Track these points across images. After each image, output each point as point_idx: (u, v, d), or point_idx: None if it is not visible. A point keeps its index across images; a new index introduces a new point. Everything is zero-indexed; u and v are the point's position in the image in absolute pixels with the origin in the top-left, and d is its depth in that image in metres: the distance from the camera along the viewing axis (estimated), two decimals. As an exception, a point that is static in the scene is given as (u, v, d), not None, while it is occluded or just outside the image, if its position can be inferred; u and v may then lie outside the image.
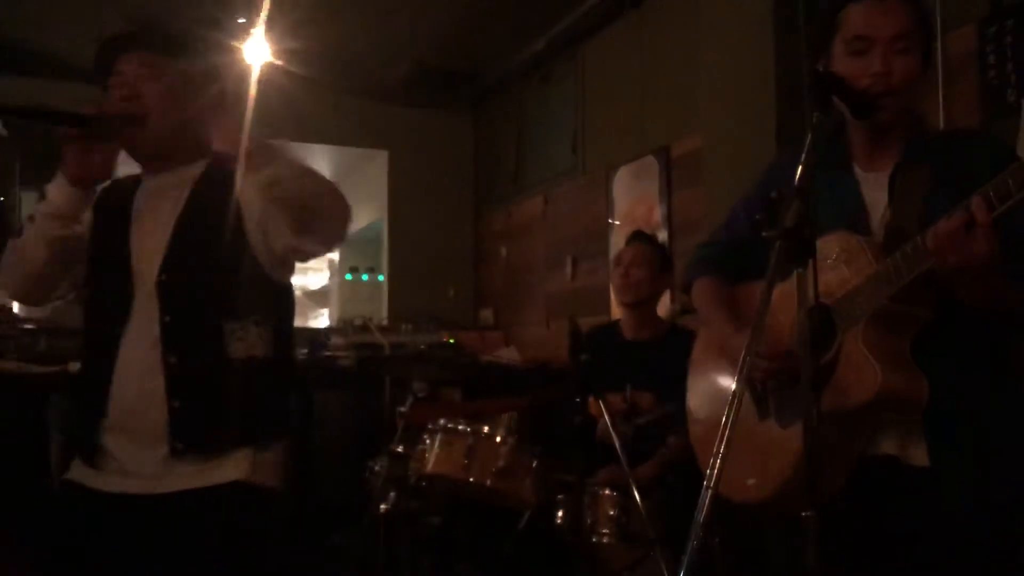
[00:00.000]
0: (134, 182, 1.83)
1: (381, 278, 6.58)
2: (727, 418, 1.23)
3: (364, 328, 3.99)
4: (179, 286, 1.70)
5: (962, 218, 1.35)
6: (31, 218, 1.74)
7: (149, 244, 1.73)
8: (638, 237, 3.25)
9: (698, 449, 1.90)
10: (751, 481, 1.66)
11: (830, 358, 1.55)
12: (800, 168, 1.39)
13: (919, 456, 1.52)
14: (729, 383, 1.79)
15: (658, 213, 4.35)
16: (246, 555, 1.70)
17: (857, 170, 1.66)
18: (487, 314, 6.01)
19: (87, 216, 1.78)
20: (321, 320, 8.74)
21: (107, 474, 1.69)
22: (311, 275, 9.73)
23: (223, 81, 1.76)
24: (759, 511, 1.72)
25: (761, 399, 1.72)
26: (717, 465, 1.20)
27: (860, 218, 1.61)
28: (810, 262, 1.32)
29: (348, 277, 7.60)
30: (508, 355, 4.71)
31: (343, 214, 1.72)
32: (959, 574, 1.50)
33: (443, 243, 6.15)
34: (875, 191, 1.62)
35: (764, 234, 1.35)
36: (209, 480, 1.67)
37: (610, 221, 4.71)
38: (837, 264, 1.56)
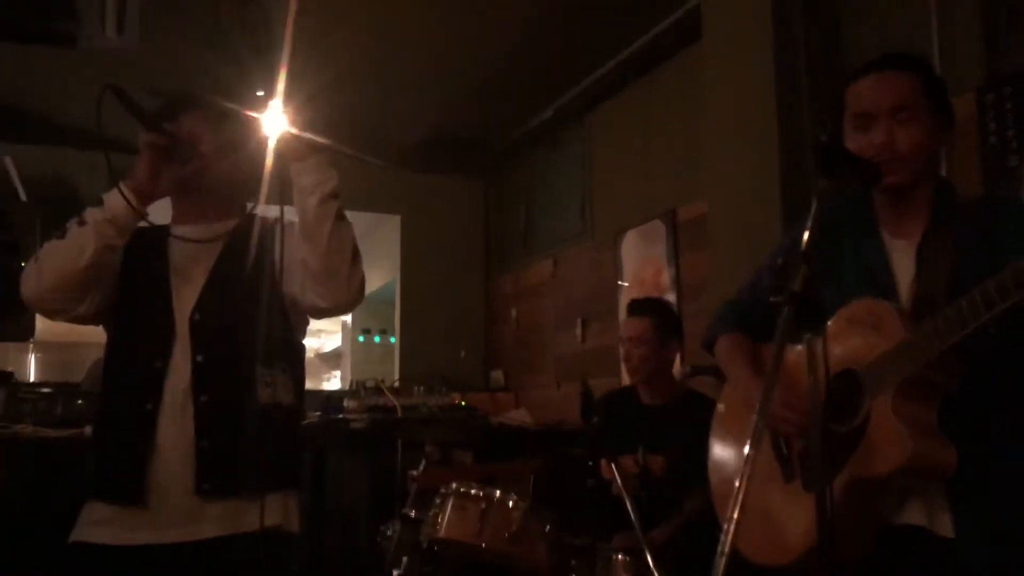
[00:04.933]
0: (162, 232, 1.90)
1: (393, 340, 6.62)
2: (741, 480, 1.24)
3: (376, 390, 4.01)
4: (212, 326, 1.77)
5: None
6: (80, 222, 1.72)
7: (186, 287, 1.81)
8: (635, 308, 3.14)
9: (719, 509, 1.89)
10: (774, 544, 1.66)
11: (858, 424, 1.54)
12: (806, 234, 1.42)
13: (945, 526, 1.51)
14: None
15: (666, 276, 4.39)
16: None
17: (885, 236, 1.67)
18: (498, 375, 6.03)
19: (120, 254, 1.83)
20: (333, 382, 8.76)
21: (137, 523, 1.68)
22: (324, 337, 9.78)
23: (259, 147, 1.86)
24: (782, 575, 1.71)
25: (786, 461, 1.71)
26: (731, 531, 1.20)
27: (889, 284, 1.62)
28: (821, 326, 1.35)
29: (360, 339, 7.65)
30: (519, 417, 4.71)
31: (358, 271, 1.79)
32: None
33: (454, 305, 6.20)
34: (903, 258, 1.63)
35: (772, 299, 1.37)
36: (244, 526, 1.68)
37: (619, 283, 4.76)
38: (865, 329, 1.57)
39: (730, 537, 1.19)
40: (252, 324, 1.78)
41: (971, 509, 1.49)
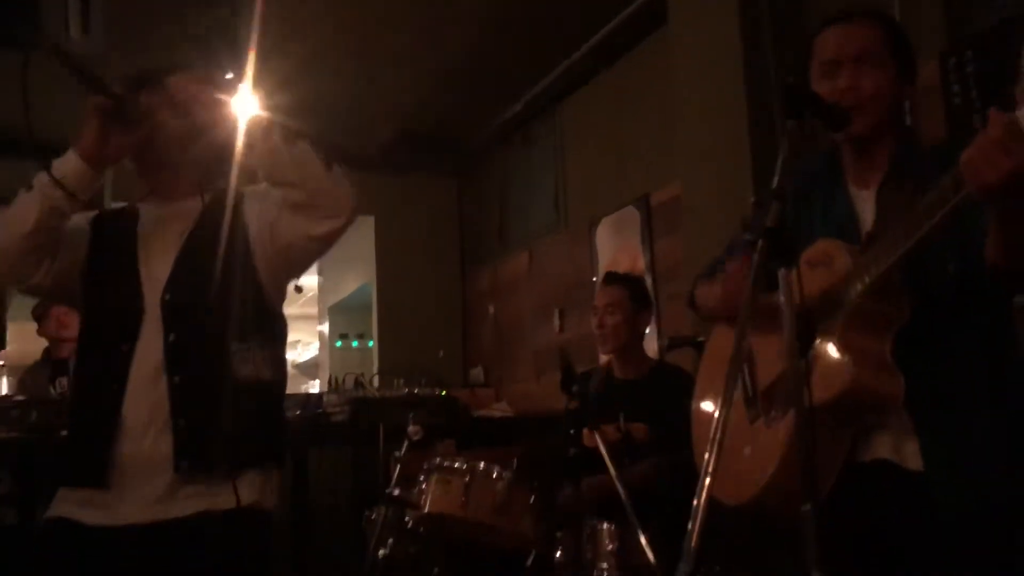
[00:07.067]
0: (132, 212, 1.87)
1: (371, 343, 6.59)
2: (717, 422, 1.24)
3: (357, 384, 4.00)
4: (184, 305, 1.73)
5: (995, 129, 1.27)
6: (28, 188, 1.69)
7: (156, 266, 1.77)
8: (609, 279, 3.23)
9: (697, 456, 1.90)
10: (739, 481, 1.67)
11: (811, 356, 1.56)
12: (777, 172, 1.44)
13: (913, 459, 1.53)
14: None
15: (642, 261, 4.42)
16: None
17: (851, 187, 1.71)
18: (477, 372, 6.02)
19: (85, 231, 1.81)
20: (313, 392, 8.69)
21: (110, 503, 1.65)
22: (301, 348, 9.71)
23: (231, 126, 1.80)
24: (750, 516, 1.72)
25: (751, 401, 1.74)
26: (710, 471, 1.20)
27: (852, 230, 1.66)
28: (795, 259, 1.36)
29: (338, 344, 7.60)
30: (500, 409, 4.70)
31: (346, 193, 1.77)
32: None
33: (431, 304, 6.19)
34: (867, 206, 1.67)
35: (747, 236, 1.40)
36: (220, 503, 1.65)
37: (595, 272, 4.77)
38: (819, 267, 1.60)
39: (708, 481, 1.19)
40: (225, 299, 1.75)
41: (937, 439, 1.51)
